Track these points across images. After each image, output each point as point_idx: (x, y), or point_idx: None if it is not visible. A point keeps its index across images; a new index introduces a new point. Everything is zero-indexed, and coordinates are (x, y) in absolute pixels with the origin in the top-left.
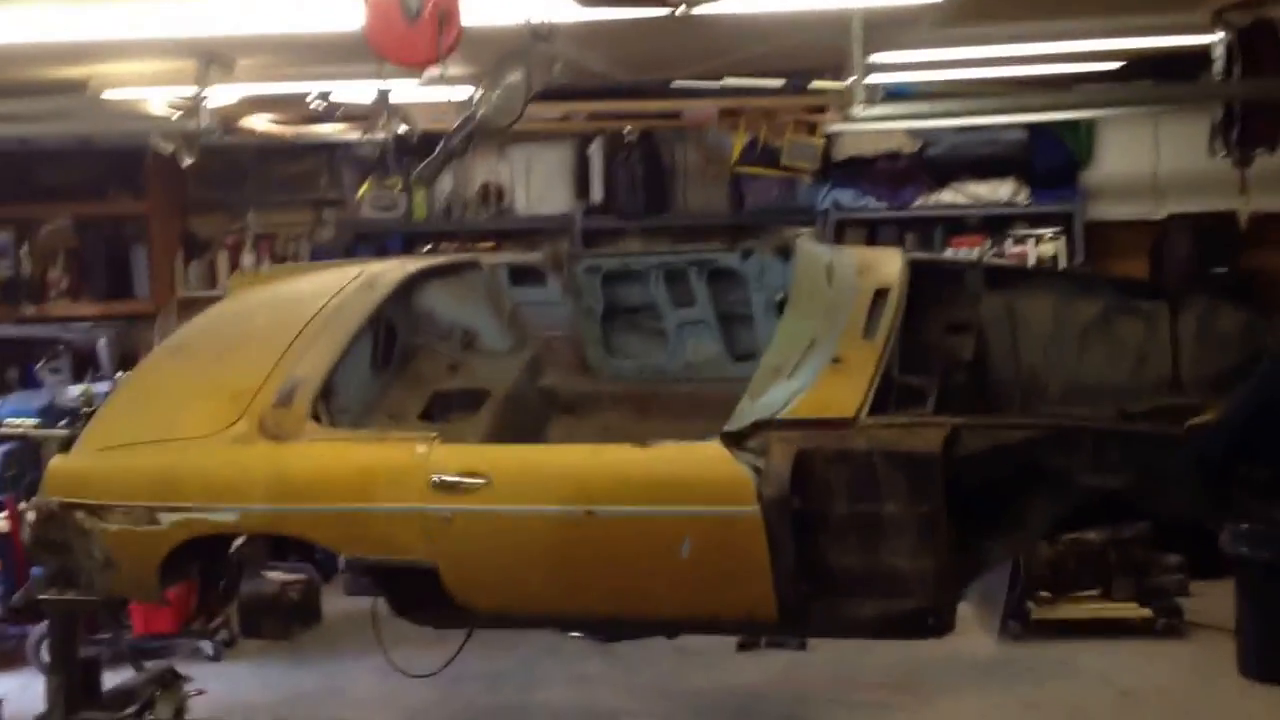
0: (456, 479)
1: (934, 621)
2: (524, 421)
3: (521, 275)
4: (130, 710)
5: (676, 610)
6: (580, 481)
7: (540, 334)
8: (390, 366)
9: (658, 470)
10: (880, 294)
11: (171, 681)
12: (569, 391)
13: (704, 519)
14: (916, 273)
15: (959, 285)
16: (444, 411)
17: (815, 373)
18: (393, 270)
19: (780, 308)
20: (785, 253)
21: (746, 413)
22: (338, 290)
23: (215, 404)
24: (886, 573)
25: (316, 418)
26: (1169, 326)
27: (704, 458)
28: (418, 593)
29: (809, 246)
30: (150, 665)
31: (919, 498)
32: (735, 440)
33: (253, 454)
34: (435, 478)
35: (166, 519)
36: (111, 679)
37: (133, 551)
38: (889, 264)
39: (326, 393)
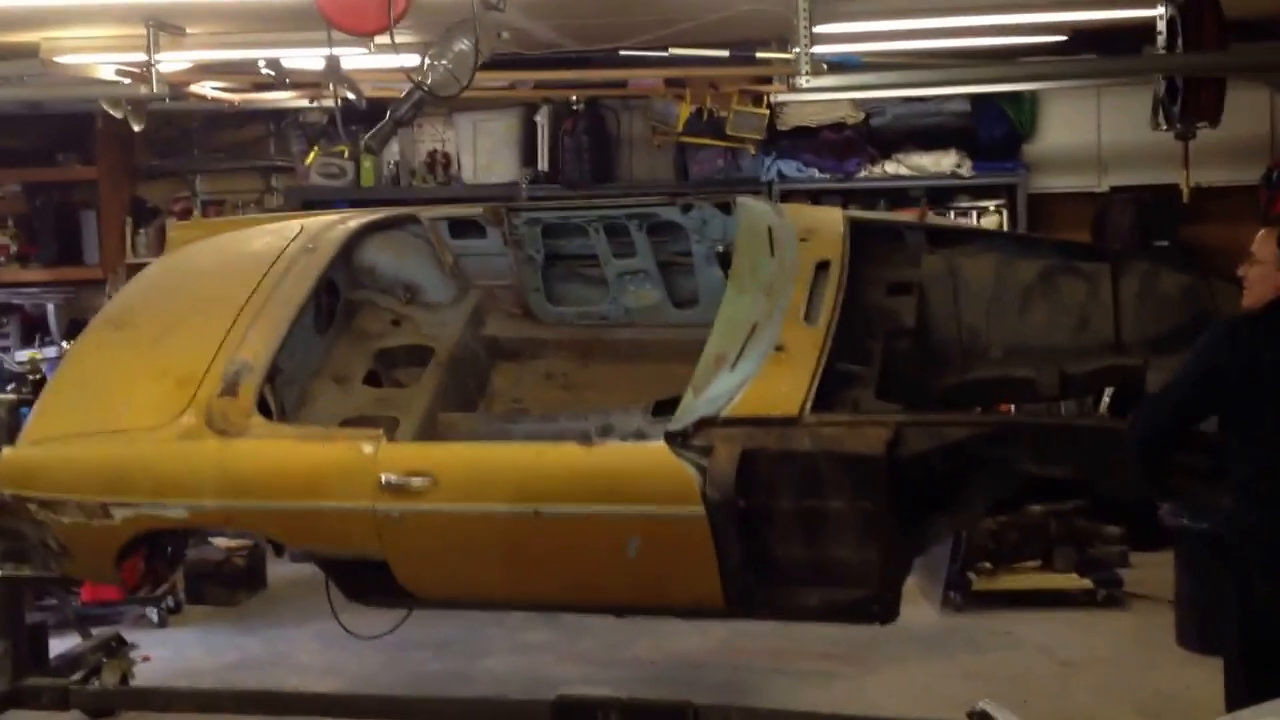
0: (404, 480)
1: (879, 609)
2: (468, 377)
3: (461, 228)
4: (77, 676)
5: (625, 599)
6: (526, 481)
7: (482, 283)
8: (333, 325)
9: (602, 470)
10: (822, 267)
11: (118, 648)
12: (512, 338)
13: (649, 519)
14: (857, 232)
15: (900, 244)
16: (389, 368)
17: (758, 363)
18: (333, 229)
19: (721, 259)
20: (726, 208)
21: (690, 409)
22: (279, 253)
23: (161, 391)
24: (832, 564)
25: (264, 403)
26: (1111, 288)
27: (648, 458)
28: (368, 580)
29: (750, 205)
30: (97, 632)
31: (864, 495)
32: (679, 439)
33: (202, 450)
34: (383, 478)
35: (119, 514)
36: (58, 645)
37: (87, 542)
38: (830, 229)
39: (272, 374)
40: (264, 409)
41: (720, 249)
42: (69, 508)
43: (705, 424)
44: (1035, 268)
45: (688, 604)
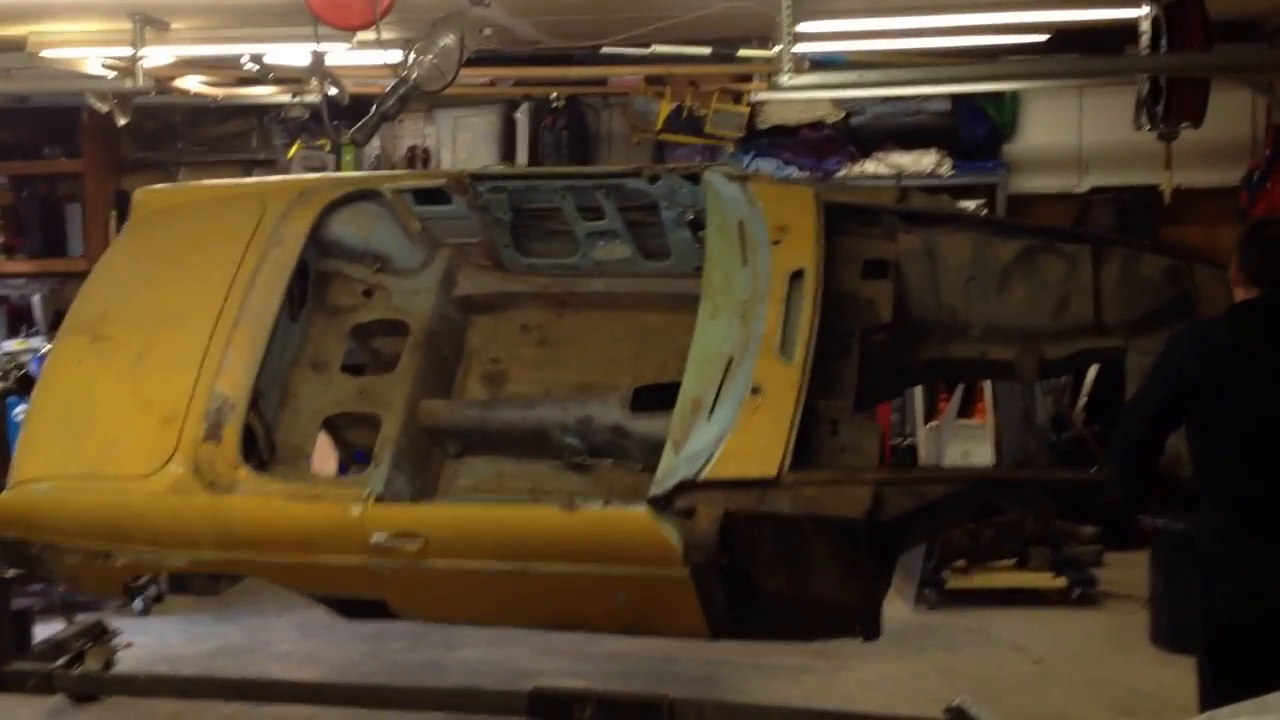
0: (393, 542)
1: (862, 628)
2: (445, 349)
3: (426, 195)
4: (60, 662)
5: (614, 631)
6: (511, 542)
7: (451, 240)
8: (305, 306)
9: (585, 534)
10: (796, 276)
11: (101, 635)
12: (485, 293)
13: (634, 578)
14: (831, 215)
15: (875, 223)
16: (365, 340)
17: (735, 411)
18: (295, 218)
19: (690, 226)
20: (694, 178)
21: (670, 470)
22: (246, 244)
23: (146, 428)
24: (814, 600)
25: (249, 432)
26: (1091, 270)
27: (630, 523)
28: (361, 604)
29: (719, 186)
30: (80, 618)
31: (844, 550)
32: (661, 503)
33: (194, 505)
34: (373, 538)
35: (120, 559)
36: (43, 631)
37: (92, 576)
38: (802, 222)
39: (254, 399)
40: (250, 433)
41: (690, 216)
42: (71, 552)
43: (686, 486)
44: (1014, 247)
45: (675, 634)
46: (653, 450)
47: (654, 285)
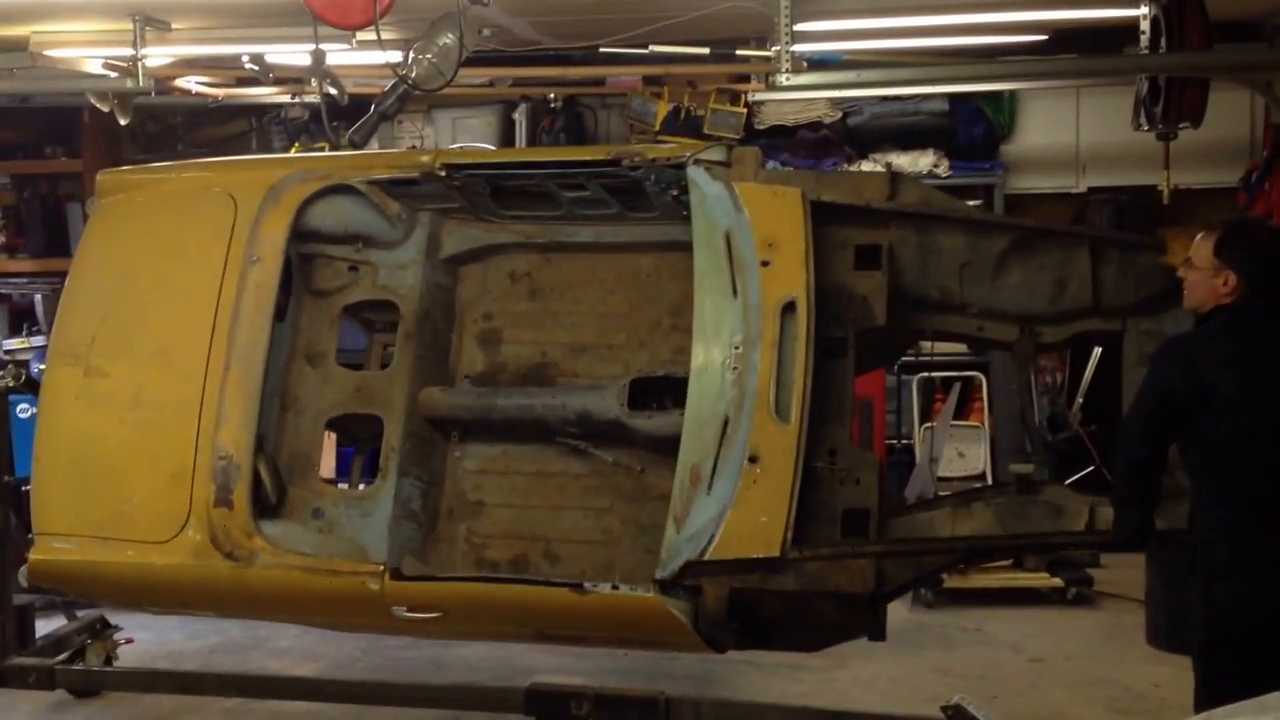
0: (414, 614)
1: (869, 632)
2: (438, 323)
3: (399, 182)
4: (62, 657)
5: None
6: (526, 617)
7: (431, 206)
8: (291, 296)
9: (597, 611)
10: (788, 309)
11: (102, 630)
12: (472, 247)
13: (645, 641)
14: (819, 217)
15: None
16: (357, 315)
17: (734, 484)
18: (269, 226)
19: (675, 202)
20: (677, 166)
21: (675, 550)
22: (224, 261)
23: (157, 486)
24: (821, 624)
25: (256, 475)
26: (1088, 257)
27: (640, 605)
28: None
29: (704, 188)
30: (81, 614)
31: (850, 610)
32: (668, 586)
33: (216, 572)
34: (393, 610)
35: (154, 608)
36: (44, 626)
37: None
38: (792, 237)
39: (259, 442)
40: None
41: (675, 191)
42: (104, 603)
43: (691, 566)
44: (1010, 235)
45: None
46: (652, 448)
47: (642, 233)
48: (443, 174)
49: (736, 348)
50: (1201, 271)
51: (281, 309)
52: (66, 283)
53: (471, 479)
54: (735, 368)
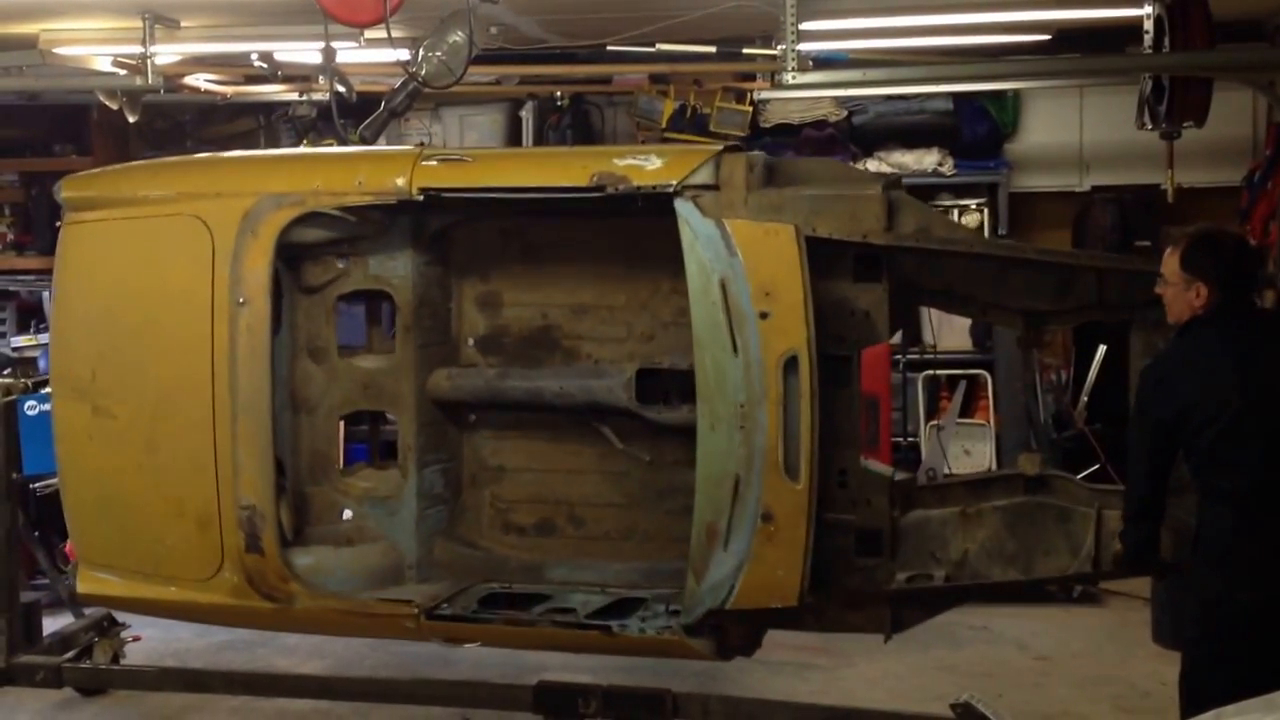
0: (450, 644)
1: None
2: (436, 305)
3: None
4: (69, 654)
5: None
6: (555, 647)
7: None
8: (284, 296)
9: (625, 647)
10: (790, 365)
11: (109, 627)
12: (459, 215)
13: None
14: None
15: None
16: (348, 301)
17: (749, 540)
18: (251, 261)
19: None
20: (664, 195)
21: (697, 599)
22: (209, 297)
23: (186, 533)
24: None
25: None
26: (1092, 260)
27: (667, 644)
28: None
29: (694, 224)
30: (89, 612)
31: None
32: (692, 630)
33: (258, 609)
34: (433, 639)
35: None
36: (52, 624)
37: None
38: (790, 285)
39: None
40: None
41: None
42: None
43: (712, 614)
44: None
45: None
46: (661, 439)
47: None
48: (420, 199)
49: (742, 405)
50: (1174, 286)
51: (276, 318)
52: (53, 308)
53: (489, 444)
54: (742, 426)
